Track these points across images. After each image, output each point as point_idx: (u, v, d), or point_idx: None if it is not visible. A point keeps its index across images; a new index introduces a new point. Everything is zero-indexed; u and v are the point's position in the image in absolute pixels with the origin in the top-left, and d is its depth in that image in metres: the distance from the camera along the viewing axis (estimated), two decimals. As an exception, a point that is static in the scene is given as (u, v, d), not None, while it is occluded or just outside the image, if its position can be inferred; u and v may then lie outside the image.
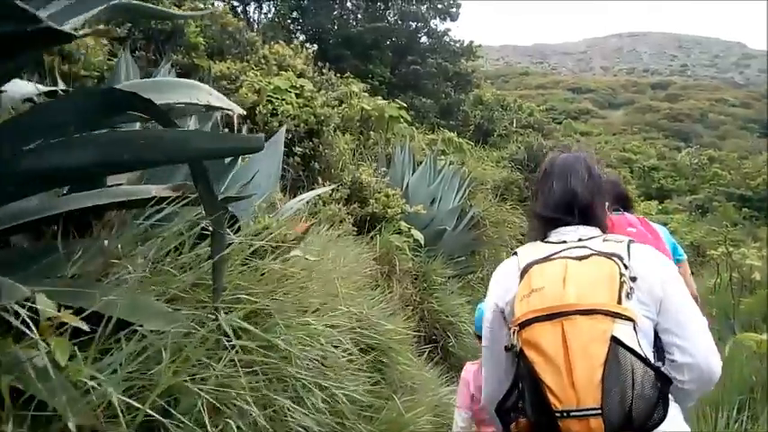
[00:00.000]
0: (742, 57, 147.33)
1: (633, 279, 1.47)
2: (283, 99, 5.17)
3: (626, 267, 1.48)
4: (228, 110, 1.83)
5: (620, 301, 1.41)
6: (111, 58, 3.92)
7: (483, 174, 7.60)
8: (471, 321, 5.83)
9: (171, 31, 5.59)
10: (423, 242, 5.44)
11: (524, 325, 1.44)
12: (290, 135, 4.99)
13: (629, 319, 1.40)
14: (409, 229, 5.35)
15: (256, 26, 11.12)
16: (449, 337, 5.44)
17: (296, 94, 5.33)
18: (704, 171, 31.07)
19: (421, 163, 6.47)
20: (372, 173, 5.66)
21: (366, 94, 6.94)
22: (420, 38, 12.41)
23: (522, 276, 1.54)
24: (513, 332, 1.47)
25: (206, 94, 1.78)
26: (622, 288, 1.42)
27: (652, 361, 1.42)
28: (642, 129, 55.27)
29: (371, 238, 5.07)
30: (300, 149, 5.09)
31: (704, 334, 1.53)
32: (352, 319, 2.87)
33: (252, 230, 2.22)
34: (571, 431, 1.35)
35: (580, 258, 1.51)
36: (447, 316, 5.55)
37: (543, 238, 1.70)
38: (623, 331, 1.38)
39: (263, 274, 2.20)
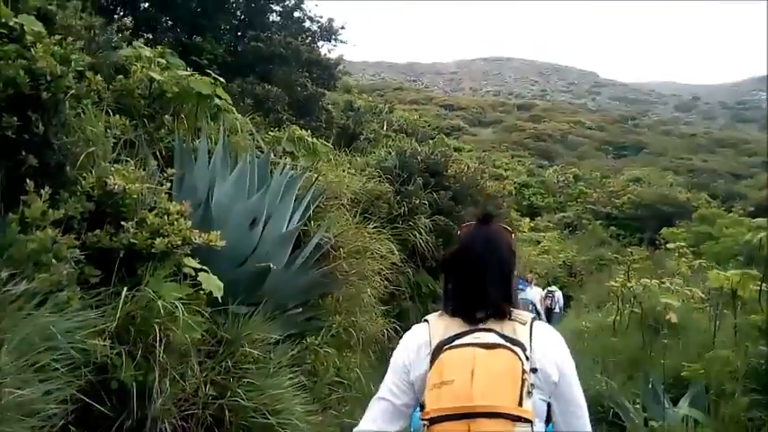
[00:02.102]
0: (594, 85, 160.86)
1: (534, 371, 1.63)
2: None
3: (527, 359, 1.61)
4: None
5: (521, 402, 1.52)
6: None
7: (340, 184, 5.48)
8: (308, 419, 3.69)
9: None
10: (222, 292, 3.19)
11: (435, 421, 1.55)
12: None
13: (528, 420, 1.52)
14: (196, 272, 3.09)
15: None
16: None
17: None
18: (570, 189, 31.72)
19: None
20: (144, 177, 3.34)
21: (163, 61, 4.57)
22: (268, 12, 9.97)
23: (433, 358, 1.66)
24: (424, 425, 1.59)
25: None
26: (524, 386, 1.54)
27: None
28: (510, 147, 56.92)
29: (118, 293, 2.78)
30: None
31: (585, 416, 1.74)
32: None
33: None
34: None
35: (488, 347, 1.60)
36: (267, 415, 3.33)
37: (455, 312, 1.77)
38: None
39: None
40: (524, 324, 1.71)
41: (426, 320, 1.81)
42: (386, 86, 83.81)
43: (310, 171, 5.25)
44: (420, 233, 7.36)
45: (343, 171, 6.16)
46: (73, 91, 3.29)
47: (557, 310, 13.88)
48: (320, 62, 10.18)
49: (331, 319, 4.86)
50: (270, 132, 6.82)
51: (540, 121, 73.28)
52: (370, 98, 23.08)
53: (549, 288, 15.07)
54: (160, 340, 2.81)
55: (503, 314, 1.74)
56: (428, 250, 7.40)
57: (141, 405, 2.78)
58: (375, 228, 5.51)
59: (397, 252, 7.04)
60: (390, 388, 1.78)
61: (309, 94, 9.17)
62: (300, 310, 4.22)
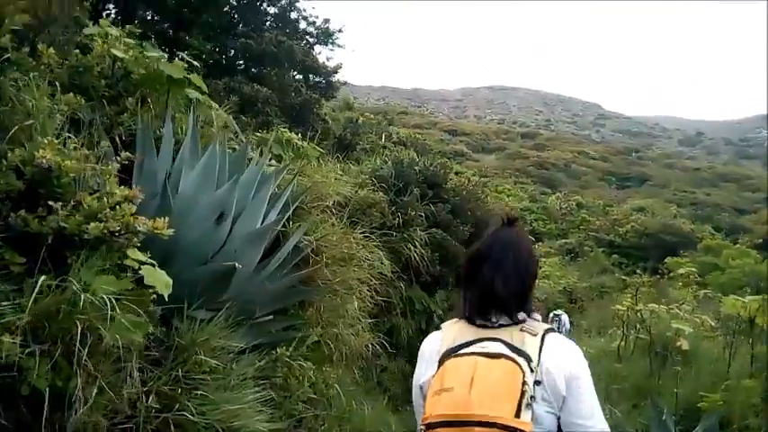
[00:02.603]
0: (598, 117, 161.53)
1: (538, 383, 1.59)
2: None
3: (532, 371, 1.59)
4: None
5: (518, 413, 1.50)
6: None
7: (326, 185, 5.04)
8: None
9: None
10: (170, 290, 2.73)
11: (431, 426, 1.57)
12: None
13: None
14: (139, 264, 2.64)
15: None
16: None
17: None
18: (573, 216, 31.30)
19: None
20: (89, 156, 2.91)
21: (131, 41, 4.16)
22: (261, 11, 9.53)
23: (439, 366, 1.68)
24: (421, 431, 1.62)
25: None
26: (523, 397, 1.52)
27: None
28: (512, 174, 56.67)
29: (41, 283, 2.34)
30: None
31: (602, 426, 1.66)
32: None
33: None
34: None
35: (491, 356, 1.62)
36: (220, 433, 2.85)
37: (469, 316, 1.79)
38: None
39: None
40: (535, 335, 1.68)
41: (440, 328, 1.85)
42: (390, 110, 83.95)
43: (293, 169, 4.82)
44: (415, 246, 6.92)
45: (333, 174, 5.73)
46: (9, 56, 2.90)
47: (563, 333, 13.54)
48: (317, 68, 9.79)
49: (311, 331, 4.40)
50: (256, 134, 6.42)
51: (543, 150, 73.30)
52: (373, 117, 22.81)
53: (556, 312, 14.94)
54: (82, 340, 2.35)
55: (514, 319, 1.74)
56: (423, 265, 6.95)
57: (60, 416, 2.32)
58: (364, 234, 5.05)
59: (388, 262, 6.59)
60: (417, 401, 1.81)
61: (304, 99, 8.72)
62: (272, 317, 3.74)
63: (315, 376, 4.38)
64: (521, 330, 1.69)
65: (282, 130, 6.44)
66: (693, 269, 9.29)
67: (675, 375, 6.03)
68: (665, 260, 19.97)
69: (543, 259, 24.36)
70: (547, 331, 1.71)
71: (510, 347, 1.63)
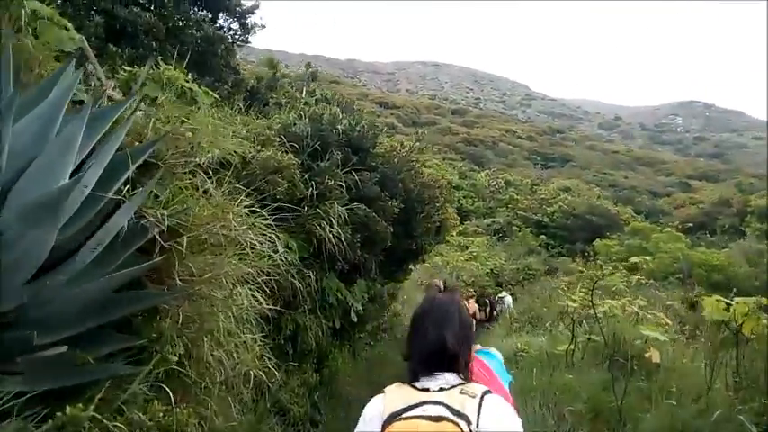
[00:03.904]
0: (525, 97, 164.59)
1: None
2: None
3: None
4: None
5: None
6: None
7: (201, 136, 3.50)
8: None
9: None
10: None
11: None
12: None
13: None
14: None
15: None
16: None
17: None
18: (501, 194, 30.73)
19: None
20: None
21: None
22: None
23: (383, 428, 1.77)
24: None
25: None
26: None
27: None
28: (441, 149, 56.11)
29: None
30: None
31: None
32: None
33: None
34: None
35: (434, 419, 1.72)
36: None
37: (412, 379, 1.88)
38: None
39: None
40: (474, 397, 1.76)
41: (383, 391, 1.90)
42: (322, 79, 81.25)
43: (153, 109, 3.28)
44: (331, 224, 5.49)
45: (219, 124, 4.18)
46: None
47: (506, 310, 13.73)
48: (229, 6, 7.99)
49: (164, 352, 2.92)
50: (125, 68, 4.77)
51: (473, 127, 73.47)
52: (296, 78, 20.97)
53: (500, 294, 14.75)
54: None
55: (459, 367, 1.87)
56: (341, 248, 5.54)
57: None
58: (249, 208, 3.58)
59: (296, 244, 5.16)
60: None
61: (206, 36, 6.92)
62: (64, 348, 2.22)
63: (166, 416, 2.92)
64: (460, 393, 1.77)
65: (166, 67, 4.83)
66: (647, 257, 8.49)
67: (642, 394, 4.97)
68: (594, 242, 19.56)
69: (470, 239, 23.60)
70: (485, 393, 1.78)
71: (451, 410, 1.71)
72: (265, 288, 3.96)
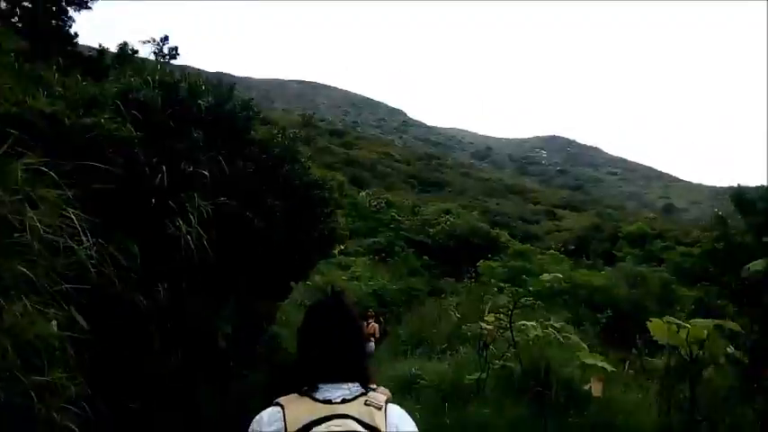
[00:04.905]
0: (402, 123, 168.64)
1: None
2: None
3: None
4: None
5: None
6: None
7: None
8: None
9: None
10: None
11: None
12: None
13: None
14: None
15: None
16: None
17: None
18: (382, 214, 30.13)
19: None
20: None
21: None
22: None
23: None
24: None
25: None
26: None
27: None
28: (320, 167, 54.98)
29: None
30: None
31: None
32: None
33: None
34: None
35: None
36: None
37: (307, 389, 1.67)
38: None
39: None
40: (380, 409, 1.67)
41: (279, 404, 1.66)
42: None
43: None
44: (190, 222, 4.11)
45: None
46: None
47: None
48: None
49: None
50: None
51: (351, 148, 73.29)
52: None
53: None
54: None
55: (357, 373, 1.72)
56: (203, 254, 4.16)
57: None
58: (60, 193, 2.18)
59: (135, 250, 3.74)
60: None
61: None
62: None
63: None
64: (366, 404, 1.66)
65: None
66: (559, 275, 7.89)
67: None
68: (478, 263, 19.27)
69: (352, 258, 22.56)
70: (386, 402, 1.69)
71: (361, 423, 1.60)
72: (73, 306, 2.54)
